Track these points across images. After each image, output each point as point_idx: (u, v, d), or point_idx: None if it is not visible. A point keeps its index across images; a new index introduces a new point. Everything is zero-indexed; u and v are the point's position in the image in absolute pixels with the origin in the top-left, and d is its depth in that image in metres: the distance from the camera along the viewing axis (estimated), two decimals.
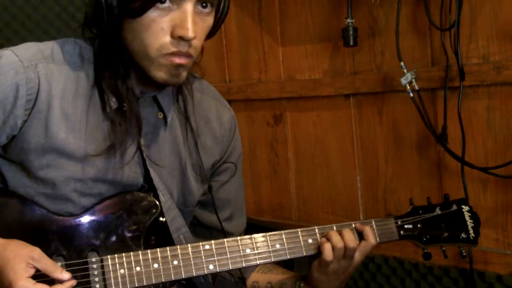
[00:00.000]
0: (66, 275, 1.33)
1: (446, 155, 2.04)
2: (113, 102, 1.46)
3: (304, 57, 2.45)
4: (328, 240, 1.52)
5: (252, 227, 1.85)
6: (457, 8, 1.90)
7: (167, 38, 1.37)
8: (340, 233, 1.53)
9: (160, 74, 1.40)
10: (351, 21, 2.15)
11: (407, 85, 2.02)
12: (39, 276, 1.31)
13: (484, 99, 1.98)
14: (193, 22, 1.36)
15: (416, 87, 2.02)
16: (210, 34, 1.50)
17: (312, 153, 2.48)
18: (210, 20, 1.44)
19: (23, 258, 1.30)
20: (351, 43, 2.16)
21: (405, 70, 2.03)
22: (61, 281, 1.33)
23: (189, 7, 1.36)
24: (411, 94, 2.02)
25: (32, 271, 1.30)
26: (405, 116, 2.18)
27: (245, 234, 1.77)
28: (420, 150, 2.17)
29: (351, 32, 2.15)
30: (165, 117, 1.55)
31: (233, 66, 2.69)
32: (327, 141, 2.43)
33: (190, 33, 1.35)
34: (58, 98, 1.43)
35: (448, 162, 2.08)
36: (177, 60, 1.39)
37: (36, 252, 1.32)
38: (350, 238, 1.53)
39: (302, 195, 2.54)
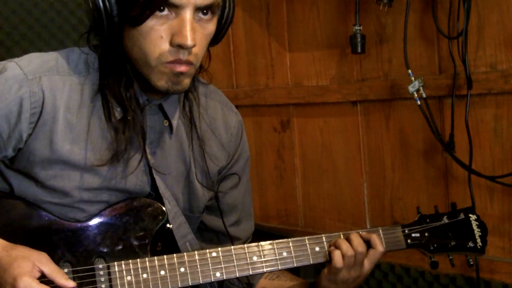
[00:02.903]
0: (71, 283, 1.33)
1: (453, 163, 2.04)
2: (118, 112, 1.45)
3: (312, 64, 2.45)
4: (337, 248, 1.52)
5: (258, 233, 1.85)
6: (465, 16, 1.90)
7: (166, 46, 1.36)
8: (348, 239, 1.53)
9: (161, 83, 1.39)
10: (359, 28, 2.15)
11: (415, 92, 2.02)
12: (44, 282, 1.31)
13: (491, 108, 1.98)
14: (192, 30, 1.34)
15: (424, 95, 2.02)
16: (215, 41, 1.49)
17: (318, 160, 2.48)
18: (211, 27, 1.42)
19: (31, 259, 1.31)
20: (359, 50, 2.16)
21: (413, 78, 2.02)
22: None
23: (187, 15, 1.34)
24: (419, 102, 2.02)
25: (38, 274, 1.30)
26: (412, 124, 2.18)
27: (251, 240, 1.77)
28: (427, 158, 2.16)
29: (359, 39, 2.15)
30: (170, 125, 1.54)
31: (240, 72, 2.69)
32: (334, 147, 2.43)
33: (189, 41, 1.34)
34: (62, 110, 1.43)
35: (455, 170, 2.07)
36: (177, 68, 1.38)
37: (43, 257, 1.33)
38: (359, 242, 1.52)
39: (309, 201, 2.54)
